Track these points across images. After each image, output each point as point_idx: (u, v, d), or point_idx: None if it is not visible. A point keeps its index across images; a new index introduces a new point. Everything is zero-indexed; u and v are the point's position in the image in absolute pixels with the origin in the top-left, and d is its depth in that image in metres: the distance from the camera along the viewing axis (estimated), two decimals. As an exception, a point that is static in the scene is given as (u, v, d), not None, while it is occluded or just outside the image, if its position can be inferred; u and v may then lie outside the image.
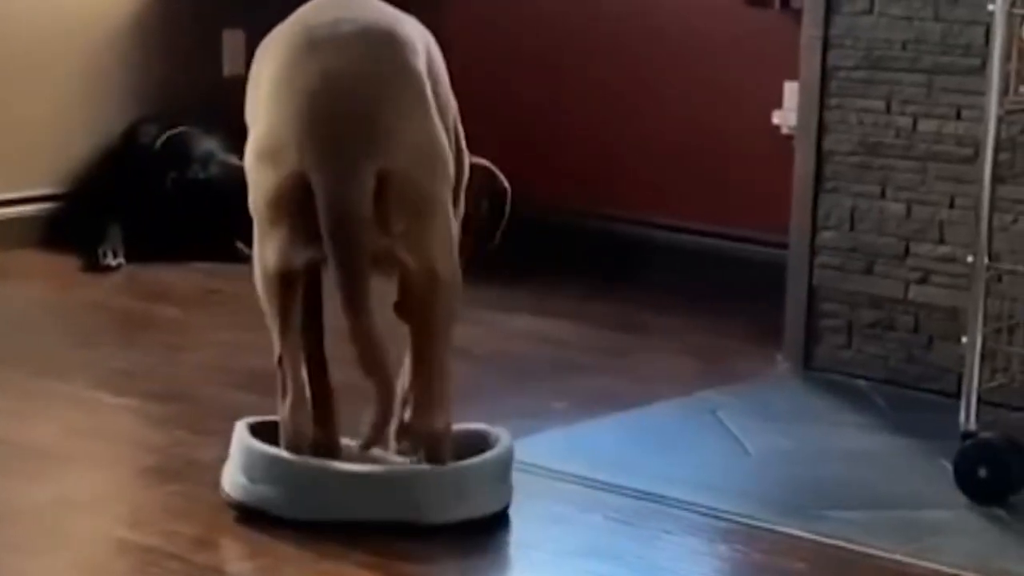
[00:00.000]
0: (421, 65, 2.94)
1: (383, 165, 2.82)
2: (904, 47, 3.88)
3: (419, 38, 3.02)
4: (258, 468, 2.99)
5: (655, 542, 3.00)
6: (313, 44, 2.89)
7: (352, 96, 2.84)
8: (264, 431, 3.06)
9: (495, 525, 3.00)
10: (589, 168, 5.07)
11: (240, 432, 3.06)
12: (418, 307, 2.95)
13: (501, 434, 3.08)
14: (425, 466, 2.99)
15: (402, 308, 2.96)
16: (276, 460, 2.98)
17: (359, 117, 2.83)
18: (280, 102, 2.87)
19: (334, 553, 2.85)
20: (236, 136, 5.07)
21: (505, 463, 3.05)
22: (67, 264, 4.84)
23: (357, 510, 2.94)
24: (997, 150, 3.22)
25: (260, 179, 2.91)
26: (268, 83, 2.92)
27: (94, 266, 4.80)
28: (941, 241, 3.85)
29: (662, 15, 4.90)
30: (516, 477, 3.13)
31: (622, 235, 4.96)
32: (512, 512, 3.05)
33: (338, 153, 2.81)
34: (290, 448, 2.98)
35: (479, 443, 3.07)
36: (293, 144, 2.84)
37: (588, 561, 2.90)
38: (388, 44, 2.92)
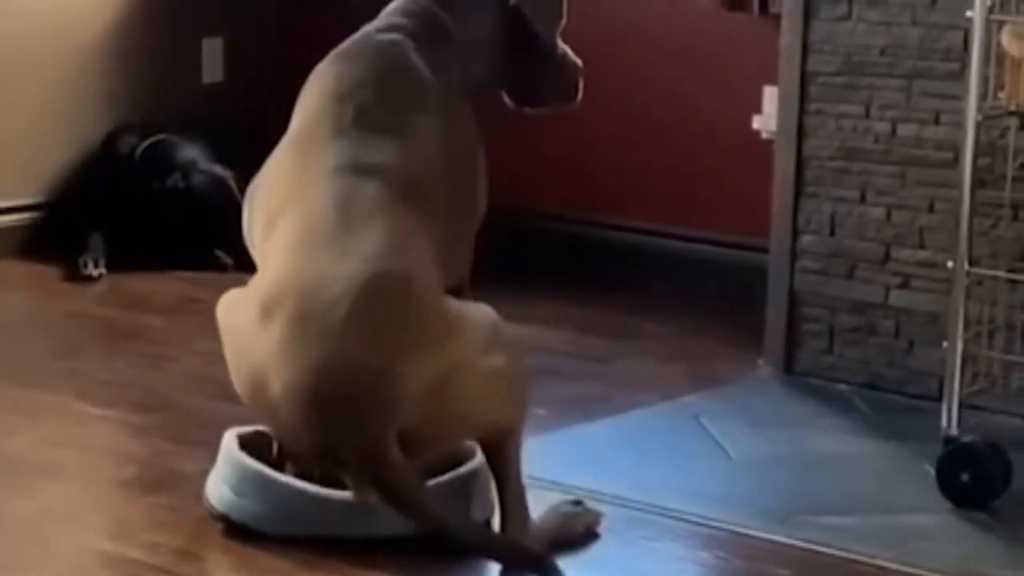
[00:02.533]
0: (429, 302, 2.83)
1: (401, 427, 2.77)
2: (883, 52, 3.89)
3: (420, 254, 2.88)
4: (245, 483, 2.99)
5: (637, 549, 3.00)
6: (307, 323, 2.78)
7: (359, 375, 2.75)
8: (252, 442, 3.06)
9: (478, 534, 3.00)
10: (568, 172, 5.07)
11: (228, 443, 3.06)
12: (492, 456, 2.95)
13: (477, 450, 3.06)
14: None
15: None
16: (264, 478, 2.97)
17: (371, 393, 2.74)
18: (284, 373, 2.78)
19: (318, 565, 2.85)
20: (216, 144, 5.12)
21: (479, 478, 3.02)
22: (49, 274, 4.83)
23: (340, 531, 2.93)
24: (976, 155, 3.23)
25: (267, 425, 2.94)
26: (271, 336, 2.81)
27: (76, 276, 4.78)
28: (921, 246, 3.86)
29: (640, 20, 4.90)
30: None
31: (601, 240, 4.96)
32: (493, 520, 3.05)
33: (357, 437, 2.75)
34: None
35: (458, 459, 3.07)
36: (307, 432, 2.79)
37: (570, 568, 2.90)
38: (392, 299, 2.79)
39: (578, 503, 3.09)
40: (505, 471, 2.91)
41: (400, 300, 2.79)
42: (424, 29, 3.10)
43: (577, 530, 3.03)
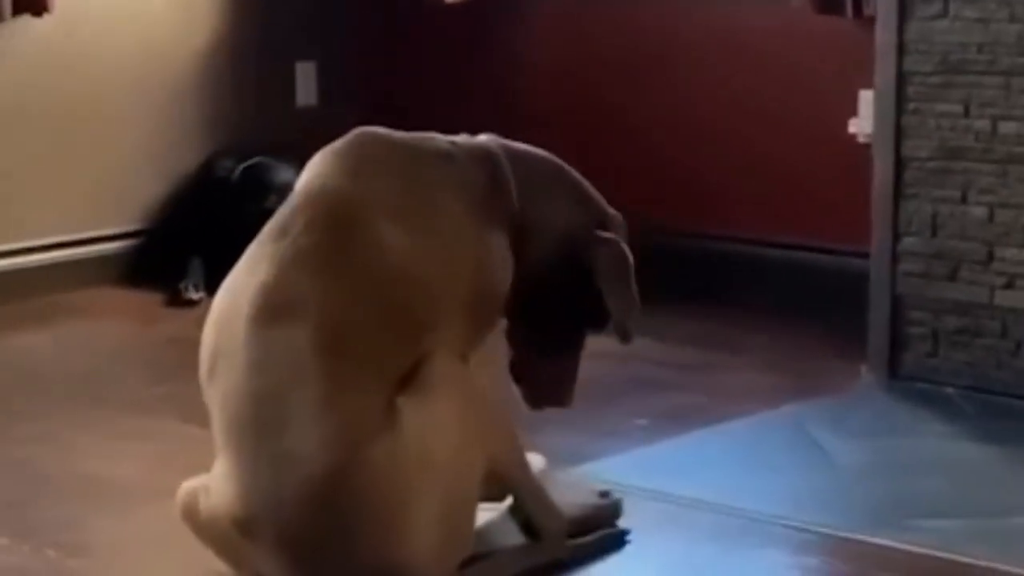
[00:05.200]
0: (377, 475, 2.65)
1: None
2: (980, 50, 3.83)
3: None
4: None
5: (742, 557, 2.97)
6: (288, 547, 2.68)
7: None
8: None
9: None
10: (664, 182, 5.04)
11: None
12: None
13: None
14: None
15: None
16: None
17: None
18: None
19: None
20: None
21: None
22: (150, 299, 4.87)
23: None
24: (1079, 150, 3.19)
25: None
26: (262, 554, 2.71)
27: (177, 300, 4.83)
28: (1025, 244, 3.81)
29: (733, 27, 4.88)
30: (602, 496, 3.13)
31: (699, 249, 4.93)
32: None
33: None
34: None
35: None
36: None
37: (675, 577, 2.89)
38: (339, 496, 2.64)
39: (605, 494, 3.06)
40: (514, 486, 2.87)
41: (348, 491, 2.64)
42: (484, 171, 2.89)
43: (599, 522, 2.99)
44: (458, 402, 2.72)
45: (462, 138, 2.96)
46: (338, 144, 2.91)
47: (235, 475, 2.70)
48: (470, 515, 2.76)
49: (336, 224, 2.76)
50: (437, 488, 2.67)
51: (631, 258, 2.99)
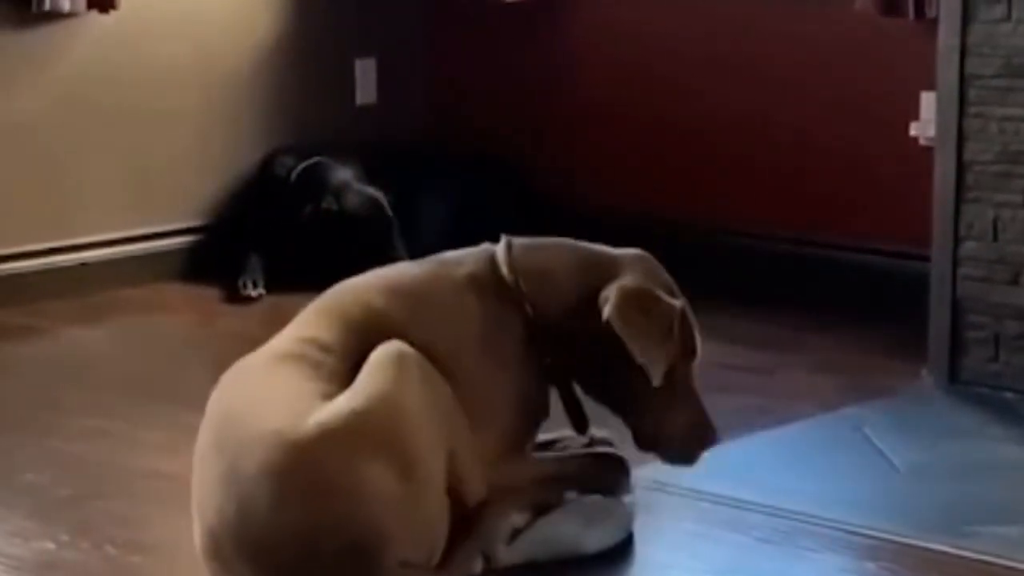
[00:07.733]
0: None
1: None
2: (1044, 53, 3.81)
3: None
4: None
5: (799, 561, 2.96)
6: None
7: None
8: None
9: (638, 545, 2.98)
10: (726, 183, 5.03)
11: None
12: None
13: None
14: None
15: None
16: None
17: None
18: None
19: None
20: (370, 166, 5.16)
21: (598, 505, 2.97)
22: (209, 296, 4.90)
23: None
24: None
25: None
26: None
27: (235, 297, 4.85)
28: (1087, 249, 3.78)
29: (795, 28, 4.86)
30: (659, 497, 3.12)
31: (758, 252, 4.91)
32: (654, 532, 3.04)
33: None
34: None
35: None
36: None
37: (733, 580, 2.88)
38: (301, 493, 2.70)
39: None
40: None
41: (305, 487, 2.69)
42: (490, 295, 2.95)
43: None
44: (395, 378, 2.73)
45: (472, 251, 3.02)
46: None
47: (195, 508, 2.82)
48: (433, 491, 2.72)
49: (344, 317, 2.92)
50: (388, 462, 2.66)
51: (641, 299, 2.91)
